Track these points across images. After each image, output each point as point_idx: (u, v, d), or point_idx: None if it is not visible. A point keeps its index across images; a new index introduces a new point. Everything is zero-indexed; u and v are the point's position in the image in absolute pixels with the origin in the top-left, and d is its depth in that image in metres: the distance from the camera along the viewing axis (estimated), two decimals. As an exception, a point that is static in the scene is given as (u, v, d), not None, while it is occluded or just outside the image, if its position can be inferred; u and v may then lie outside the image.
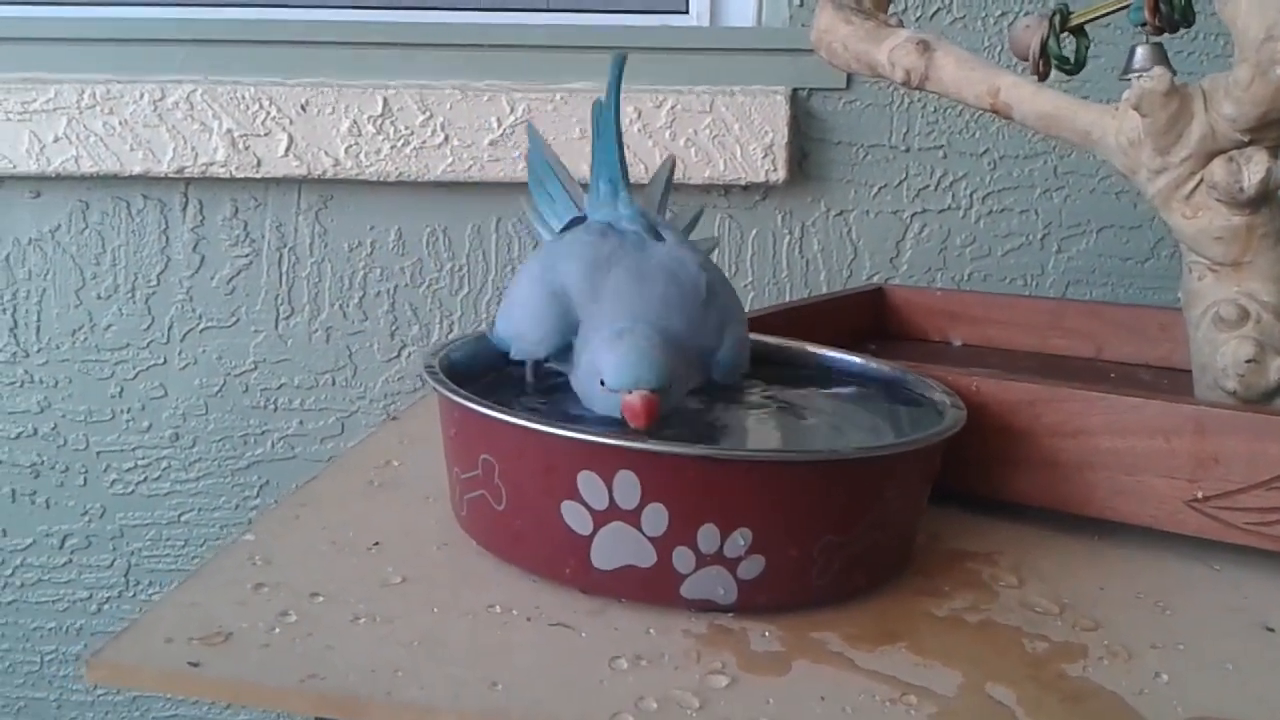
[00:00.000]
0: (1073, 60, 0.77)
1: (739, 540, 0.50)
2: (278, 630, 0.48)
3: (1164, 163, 0.65)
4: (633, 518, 0.50)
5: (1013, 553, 0.61)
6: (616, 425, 0.55)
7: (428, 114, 1.08)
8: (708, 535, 0.50)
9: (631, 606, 0.52)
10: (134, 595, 1.20)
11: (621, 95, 0.72)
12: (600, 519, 0.51)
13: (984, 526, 0.63)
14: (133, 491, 1.18)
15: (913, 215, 1.12)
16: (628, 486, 0.50)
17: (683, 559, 0.51)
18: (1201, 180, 0.65)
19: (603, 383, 0.55)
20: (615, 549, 0.51)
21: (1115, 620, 0.53)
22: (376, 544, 0.57)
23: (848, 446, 0.54)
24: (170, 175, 1.09)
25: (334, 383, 1.16)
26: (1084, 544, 0.62)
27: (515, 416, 0.52)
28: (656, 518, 0.50)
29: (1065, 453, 0.62)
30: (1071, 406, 0.62)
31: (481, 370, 0.63)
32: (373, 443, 0.73)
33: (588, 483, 0.51)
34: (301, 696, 0.44)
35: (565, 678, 0.46)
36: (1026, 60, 0.76)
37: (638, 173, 1.08)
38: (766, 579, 0.51)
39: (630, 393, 0.54)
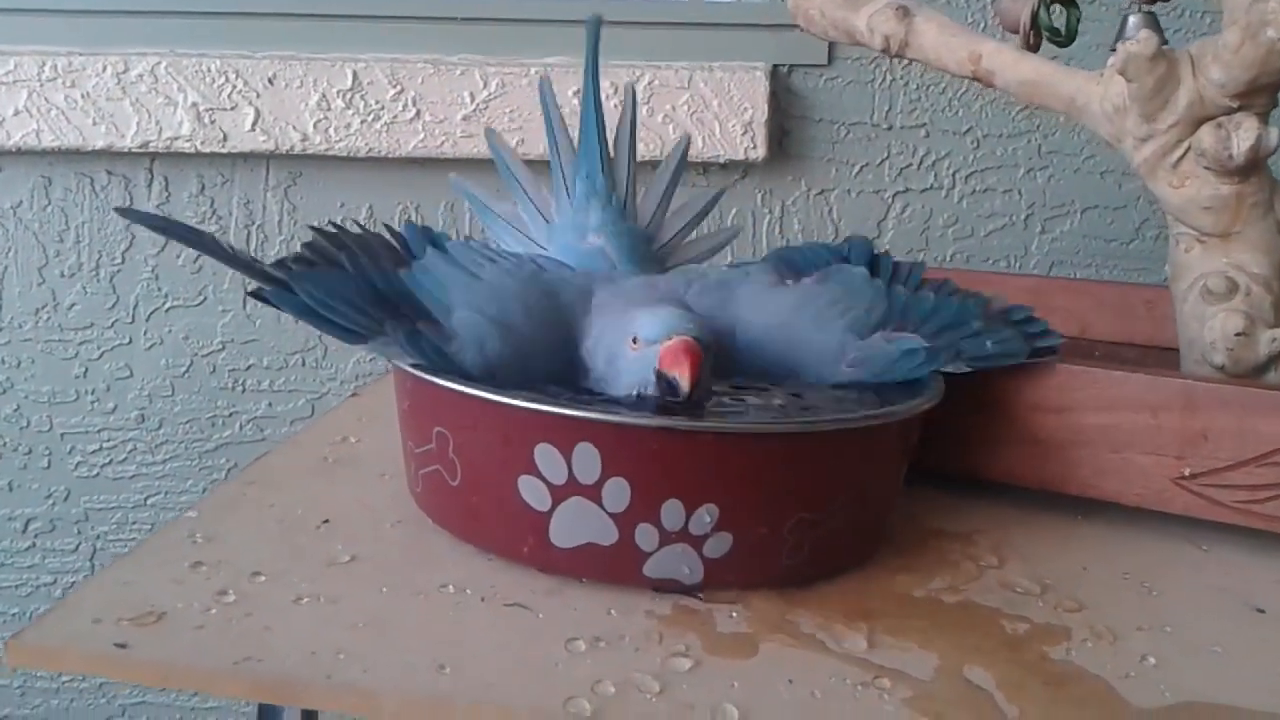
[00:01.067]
0: (1064, 32, 0.75)
1: (705, 517, 0.47)
2: (214, 610, 0.45)
3: (1150, 130, 0.62)
4: (593, 493, 0.47)
5: (993, 532, 0.58)
6: (636, 407, 0.50)
7: (399, 88, 1.05)
8: (672, 511, 0.47)
9: (592, 586, 0.49)
10: (99, 580, 1.16)
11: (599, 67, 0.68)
12: (559, 494, 0.48)
13: (963, 506, 0.61)
14: (97, 474, 1.14)
15: (895, 195, 1.09)
16: (587, 460, 0.47)
17: (646, 536, 0.48)
18: (1189, 148, 0.62)
19: (635, 340, 0.50)
20: (575, 526, 0.48)
21: (1099, 601, 0.51)
22: (326, 522, 0.54)
23: (819, 417, 0.51)
24: (134, 150, 1.05)
25: (304, 364, 1.12)
26: (1067, 523, 0.60)
27: (468, 386, 0.49)
28: (618, 493, 0.47)
29: (1048, 429, 0.60)
30: (1055, 380, 0.59)
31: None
32: (331, 419, 0.70)
33: (545, 456, 0.48)
34: (235, 680, 0.41)
35: (518, 660, 0.43)
36: (1016, 33, 0.73)
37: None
38: (734, 558, 0.48)
39: (670, 339, 0.49)
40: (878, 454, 0.52)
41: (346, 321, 0.51)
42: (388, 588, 0.48)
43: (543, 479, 0.48)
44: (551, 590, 0.49)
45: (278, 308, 0.52)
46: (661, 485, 0.47)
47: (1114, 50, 0.70)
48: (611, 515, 0.48)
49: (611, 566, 0.48)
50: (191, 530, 0.52)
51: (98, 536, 1.15)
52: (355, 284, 0.54)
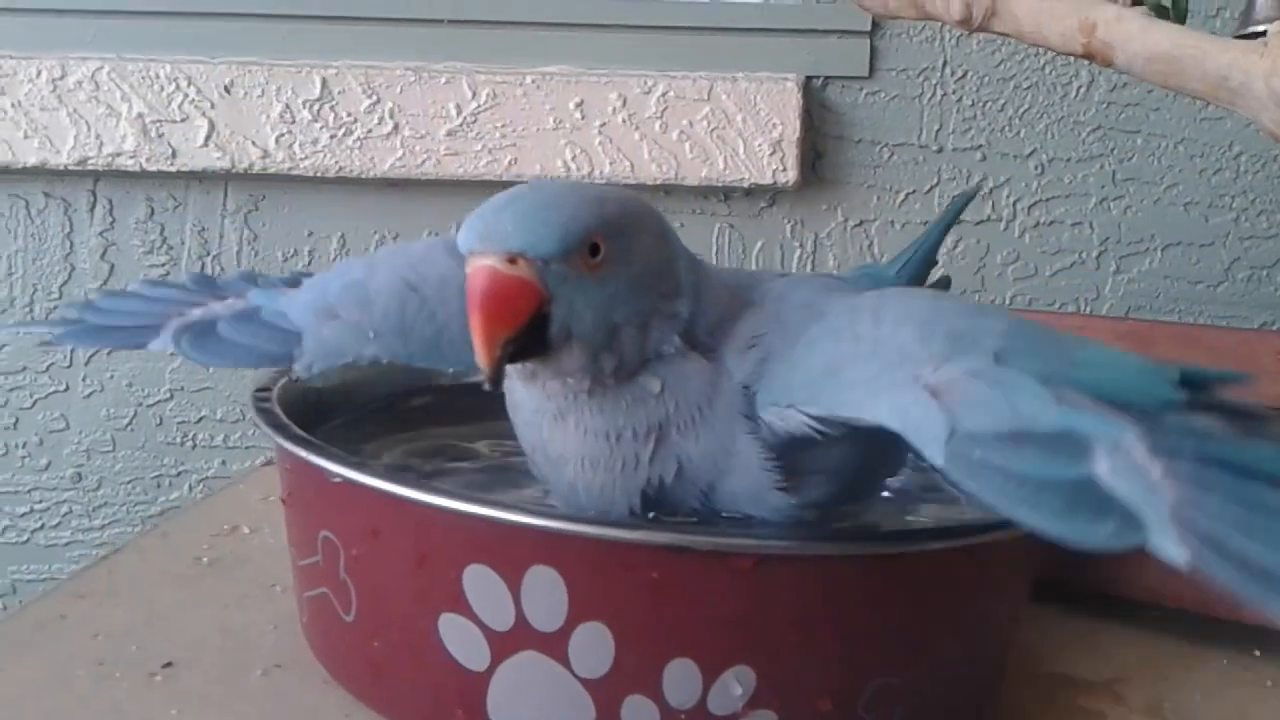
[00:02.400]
0: (1173, 8, 0.58)
1: (734, 686, 0.28)
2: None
3: (1343, 116, 0.44)
4: (555, 646, 0.28)
5: (1145, 682, 0.38)
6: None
7: (374, 98, 0.87)
8: (681, 677, 0.28)
9: (553, 791, 0.30)
10: (26, 662, 0.97)
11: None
12: (502, 646, 0.29)
13: (1101, 639, 0.41)
14: (28, 540, 0.96)
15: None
16: (545, 593, 0.28)
17: (639, 717, 0.29)
18: (1396, 141, 0.43)
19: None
20: (527, 696, 0.29)
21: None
22: (167, 666, 0.35)
23: (910, 527, 0.32)
24: (72, 168, 0.88)
25: (263, 415, 0.94)
26: (1243, 663, 0.40)
27: (364, 471, 0.30)
28: (594, 646, 0.28)
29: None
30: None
31: (362, 403, 0.42)
32: (224, 499, 0.51)
33: (481, 585, 0.29)
34: None
35: None
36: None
37: (622, 169, 0.88)
38: (779, 750, 0.29)
39: (471, 255, 0.30)
40: (997, 580, 0.33)
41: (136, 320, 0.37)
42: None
43: (477, 621, 0.29)
44: (490, 796, 0.30)
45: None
46: (664, 636, 0.28)
47: (1239, 36, 0.54)
48: (584, 682, 0.29)
49: (584, 761, 0.29)
50: (-42, 681, 0.33)
51: (26, 611, 0.97)
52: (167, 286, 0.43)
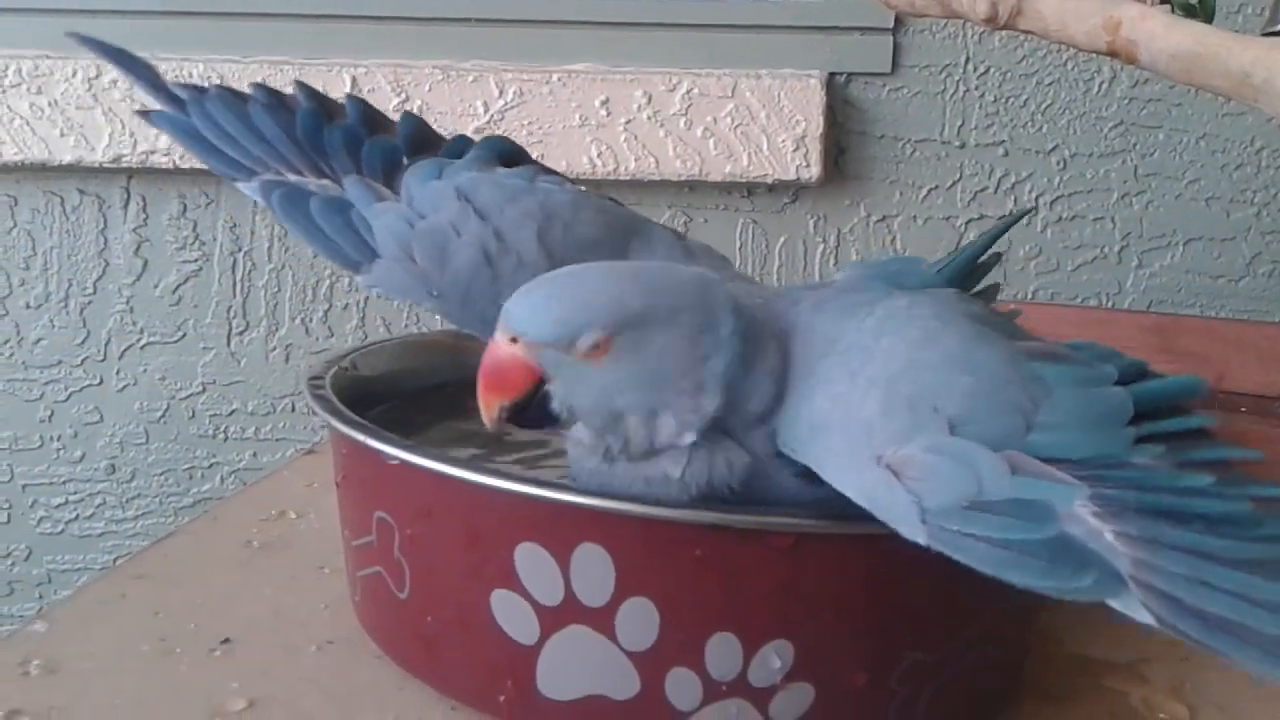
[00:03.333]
0: (1200, 7, 0.58)
1: (773, 659, 0.30)
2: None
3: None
4: (602, 620, 0.30)
5: (1166, 664, 0.40)
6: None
7: (403, 96, 0.89)
8: (723, 651, 0.30)
9: (599, 760, 0.32)
10: (61, 650, 0.99)
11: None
12: (551, 620, 0.30)
13: (1121, 623, 0.42)
14: (62, 531, 0.98)
15: (968, 222, 0.92)
16: (594, 570, 0.30)
17: (683, 688, 0.30)
18: None
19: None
20: (574, 668, 0.31)
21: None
22: (225, 642, 0.37)
23: None
24: (106, 165, 0.90)
25: (293, 409, 0.95)
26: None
27: (421, 454, 0.32)
28: (640, 621, 0.30)
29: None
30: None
31: (410, 390, 0.43)
32: (270, 485, 0.52)
33: (532, 562, 0.30)
34: None
35: None
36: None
37: (647, 166, 0.89)
38: (815, 720, 0.31)
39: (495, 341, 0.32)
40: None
41: (231, 150, 0.39)
42: (292, 757, 0.31)
43: (528, 597, 0.31)
44: (539, 764, 0.31)
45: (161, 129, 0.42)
46: (707, 611, 0.30)
47: (1267, 34, 0.55)
48: (630, 655, 0.30)
49: (629, 731, 0.31)
50: (28, 654, 0.35)
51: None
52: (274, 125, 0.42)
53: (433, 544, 0.32)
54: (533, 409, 0.32)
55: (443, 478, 0.31)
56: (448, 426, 0.41)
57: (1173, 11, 0.57)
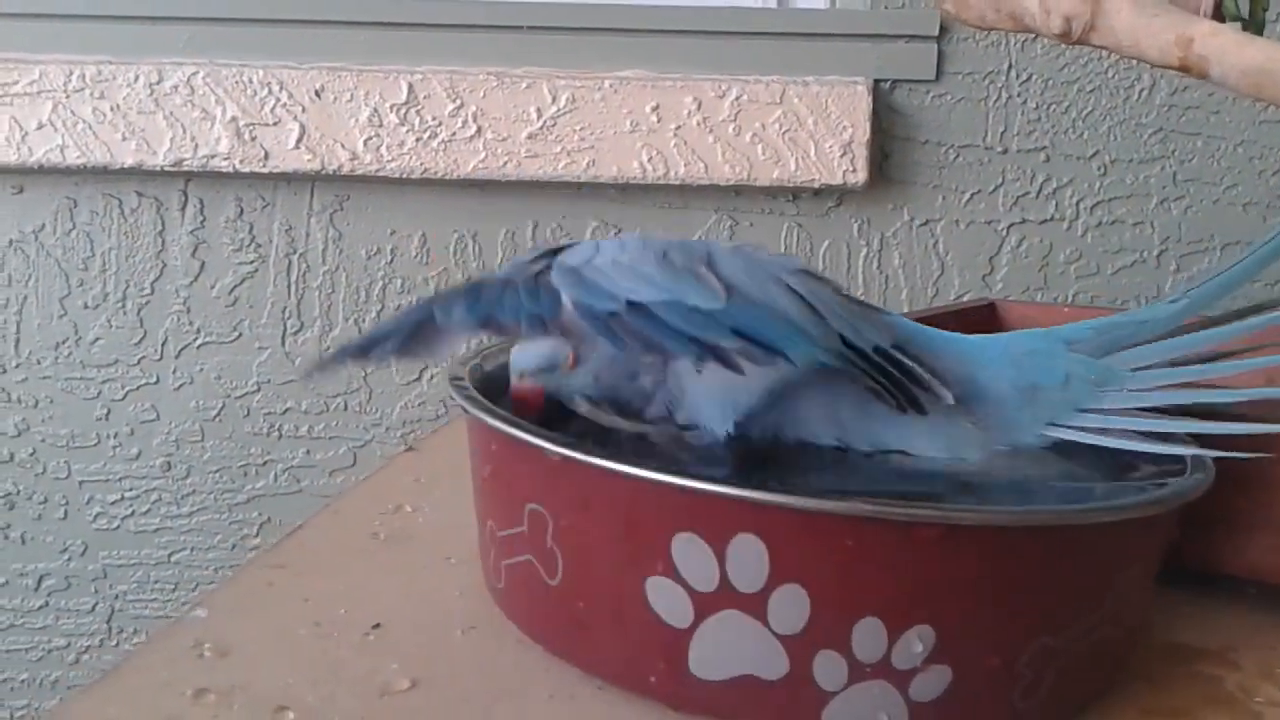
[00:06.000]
0: (1249, 19, 0.61)
1: (916, 644, 0.32)
2: (219, 774, 0.30)
3: None
4: (755, 605, 0.32)
5: (1255, 651, 0.42)
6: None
7: (458, 103, 0.91)
8: (869, 635, 0.32)
9: (749, 736, 0.34)
10: (116, 645, 1.01)
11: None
12: (706, 605, 0.33)
13: (1207, 611, 0.45)
14: (118, 527, 1.00)
15: (1009, 226, 0.94)
16: (749, 558, 0.32)
17: (829, 669, 0.33)
18: None
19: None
20: (726, 650, 0.33)
21: None
22: (376, 627, 0.39)
23: (1086, 504, 0.36)
24: (167, 169, 0.92)
25: (346, 408, 0.98)
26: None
27: (581, 450, 0.34)
28: (791, 606, 0.32)
29: (1314, 511, 0.44)
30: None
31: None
32: (381, 480, 0.55)
33: (688, 552, 0.33)
34: None
35: None
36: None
37: (696, 171, 0.91)
38: (951, 700, 0.33)
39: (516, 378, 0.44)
40: (1148, 550, 0.36)
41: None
42: (463, 733, 0.33)
43: (683, 583, 0.33)
44: (691, 740, 0.34)
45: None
46: (855, 597, 0.32)
47: None
48: (780, 638, 0.32)
49: (778, 709, 0.33)
50: (199, 638, 0.37)
51: (116, 596, 1.01)
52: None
53: (588, 534, 0.34)
54: (548, 410, 0.43)
55: (605, 472, 0.33)
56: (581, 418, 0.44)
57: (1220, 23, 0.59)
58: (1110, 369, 0.42)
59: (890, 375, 0.40)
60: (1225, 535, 0.45)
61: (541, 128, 0.91)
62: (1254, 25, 0.60)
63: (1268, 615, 0.44)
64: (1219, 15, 0.59)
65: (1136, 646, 0.41)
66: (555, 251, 0.41)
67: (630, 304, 0.37)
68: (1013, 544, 0.32)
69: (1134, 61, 0.57)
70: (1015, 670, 0.33)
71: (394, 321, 0.37)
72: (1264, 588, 0.45)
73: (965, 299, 0.94)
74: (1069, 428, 0.41)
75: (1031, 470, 0.42)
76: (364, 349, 0.37)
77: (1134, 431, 0.40)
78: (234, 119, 0.91)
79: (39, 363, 0.98)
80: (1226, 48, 0.52)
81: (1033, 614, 0.33)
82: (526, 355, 0.42)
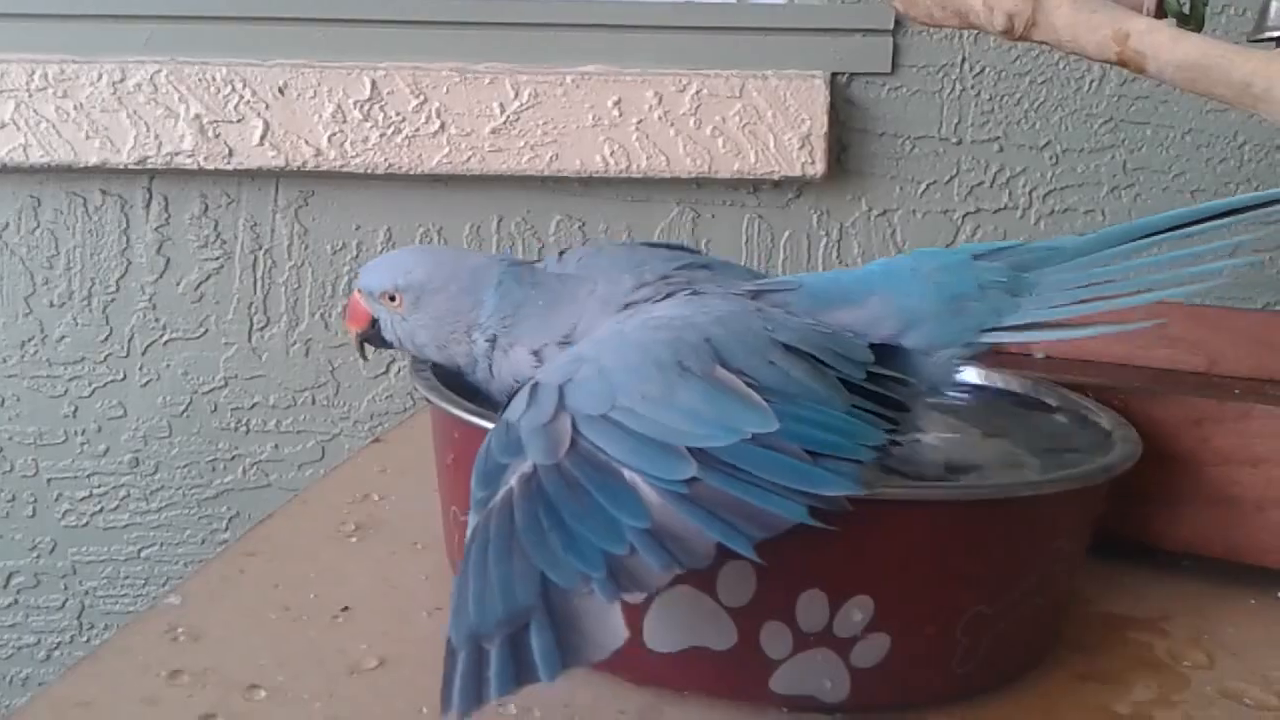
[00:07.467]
0: (1190, 16, 0.63)
1: (855, 614, 0.34)
2: (194, 748, 0.32)
3: (1353, 118, 0.49)
4: (705, 580, 0.34)
5: (1187, 618, 0.44)
6: None
7: (421, 98, 0.92)
8: (811, 607, 0.34)
9: (699, 703, 0.36)
10: (87, 641, 1.02)
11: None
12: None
13: (1140, 583, 0.47)
14: (87, 524, 1.01)
15: (964, 215, 0.97)
16: (699, 536, 0.34)
17: (775, 639, 0.35)
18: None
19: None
20: (678, 624, 0.35)
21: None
22: (345, 610, 0.41)
23: (1014, 480, 0.38)
24: (131, 167, 0.92)
25: (314, 402, 0.99)
26: (1267, 602, 0.46)
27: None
28: (738, 581, 0.34)
29: (1241, 486, 0.46)
30: (1251, 426, 0.46)
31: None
32: (349, 471, 0.56)
33: (641, 530, 0.35)
34: None
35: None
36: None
37: (658, 164, 0.93)
38: (890, 667, 0.35)
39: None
40: (1078, 524, 0.39)
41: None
42: (429, 706, 0.35)
43: (637, 561, 0.35)
44: (646, 709, 0.35)
45: None
46: (798, 571, 0.34)
47: (1254, 41, 0.59)
48: (729, 610, 0.34)
49: (727, 679, 0.35)
50: (172, 623, 0.39)
51: (86, 592, 1.02)
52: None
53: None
54: (375, 337, 0.48)
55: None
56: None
57: (1162, 19, 0.62)
58: (1021, 279, 0.43)
59: (884, 398, 0.38)
60: (1159, 510, 0.48)
61: (504, 122, 0.93)
62: (1194, 20, 0.63)
63: (1199, 585, 0.47)
64: (1161, 11, 0.62)
65: (1070, 615, 0.43)
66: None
67: (696, 455, 0.32)
68: (946, 518, 0.34)
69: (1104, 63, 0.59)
70: (952, 638, 0.35)
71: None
72: (1197, 560, 0.48)
73: (923, 287, 0.96)
74: (1002, 329, 0.42)
75: (971, 454, 0.44)
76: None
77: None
78: (198, 116, 0.92)
79: (4, 361, 0.98)
80: (1162, 43, 0.55)
81: (967, 584, 0.35)
82: (373, 276, 0.47)
